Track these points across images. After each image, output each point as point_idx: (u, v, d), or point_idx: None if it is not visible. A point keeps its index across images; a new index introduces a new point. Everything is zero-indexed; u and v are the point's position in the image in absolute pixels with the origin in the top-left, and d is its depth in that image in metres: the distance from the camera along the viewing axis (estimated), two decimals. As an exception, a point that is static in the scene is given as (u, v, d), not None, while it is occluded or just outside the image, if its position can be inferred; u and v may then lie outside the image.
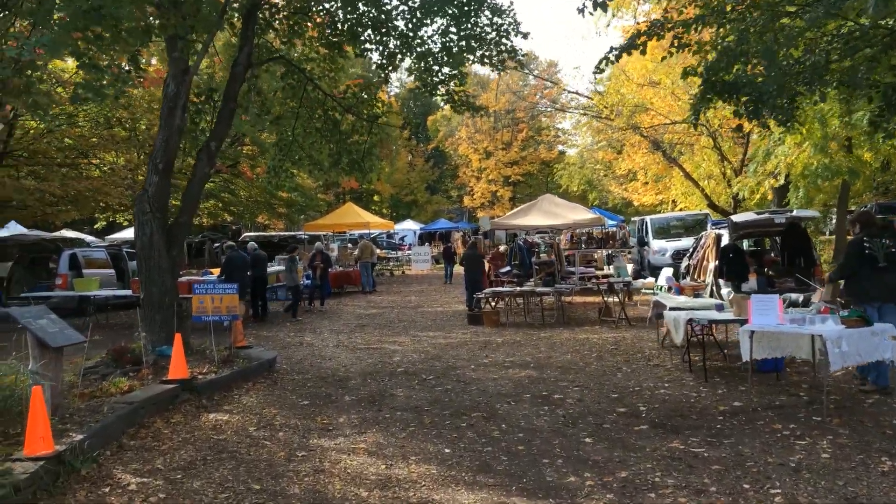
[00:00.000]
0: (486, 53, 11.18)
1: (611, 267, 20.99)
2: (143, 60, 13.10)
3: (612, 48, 9.77)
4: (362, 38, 11.87)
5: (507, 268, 19.63)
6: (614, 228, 24.55)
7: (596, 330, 13.73)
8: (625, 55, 9.87)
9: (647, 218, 25.80)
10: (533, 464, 5.96)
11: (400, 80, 65.13)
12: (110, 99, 9.23)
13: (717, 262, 14.54)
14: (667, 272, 16.74)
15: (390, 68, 12.22)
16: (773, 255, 15.97)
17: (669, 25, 9.16)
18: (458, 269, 30.26)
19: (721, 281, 13.93)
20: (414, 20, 11.12)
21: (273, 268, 19.28)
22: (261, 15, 11.62)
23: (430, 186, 63.20)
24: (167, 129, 10.04)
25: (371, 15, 11.56)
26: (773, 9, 8.71)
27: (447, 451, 6.39)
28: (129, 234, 24.01)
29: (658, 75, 24.41)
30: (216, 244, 26.79)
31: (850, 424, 6.66)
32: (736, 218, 14.32)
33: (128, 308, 17.96)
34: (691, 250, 17.23)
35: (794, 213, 13.81)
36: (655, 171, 29.28)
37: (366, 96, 13.04)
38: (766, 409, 7.38)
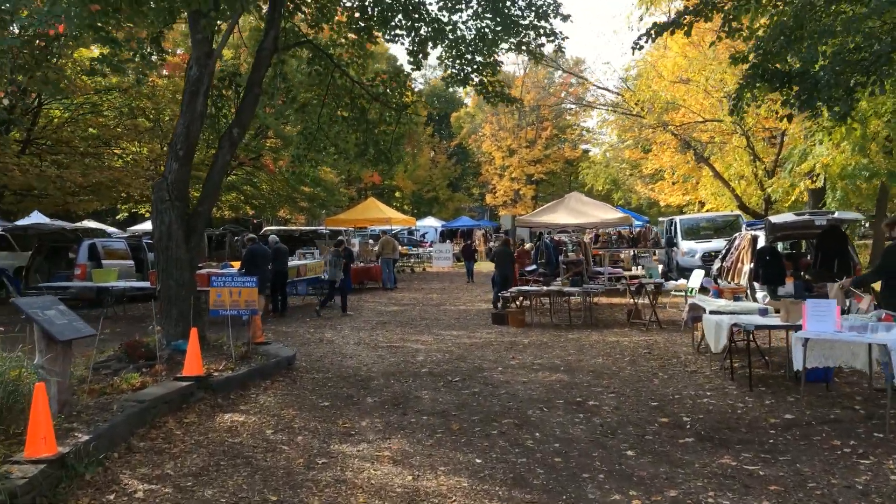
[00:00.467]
0: (524, 39, 10.63)
1: (638, 267, 20.47)
2: (169, 50, 12.74)
3: (654, 24, 9.24)
4: (393, 23, 11.39)
5: (533, 266, 19.13)
6: (640, 229, 23.95)
7: (626, 332, 13.20)
8: (660, 46, 9.37)
9: (677, 218, 25.15)
10: (572, 479, 5.48)
11: (424, 75, 64.75)
12: (133, 85, 8.87)
13: (752, 264, 14.00)
14: (698, 274, 16.20)
15: (421, 56, 11.72)
16: (808, 258, 15.40)
17: (721, 4, 8.59)
18: (479, 267, 29.90)
19: (756, 284, 13.38)
20: (448, 4, 10.61)
21: (294, 262, 18.93)
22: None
23: (451, 184, 62.71)
24: (189, 114, 9.66)
25: (402, -2, 11.10)
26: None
27: (478, 461, 5.93)
28: (149, 225, 23.80)
29: (690, 73, 23.82)
30: (237, 237, 26.53)
31: (916, 443, 6.12)
32: (774, 219, 13.74)
33: (146, 300, 17.67)
34: (724, 252, 16.67)
35: (836, 214, 13.23)
36: (685, 170, 28.61)
37: (395, 84, 12.54)
38: (820, 422, 6.84)
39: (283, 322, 15.24)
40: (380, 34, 11.93)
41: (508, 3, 10.47)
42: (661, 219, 34.13)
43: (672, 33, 9.38)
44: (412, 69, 12.04)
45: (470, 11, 10.81)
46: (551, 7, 10.56)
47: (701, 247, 21.90)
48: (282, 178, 30.84)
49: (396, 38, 11.79)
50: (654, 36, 9.29)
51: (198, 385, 7.91)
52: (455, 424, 7.04)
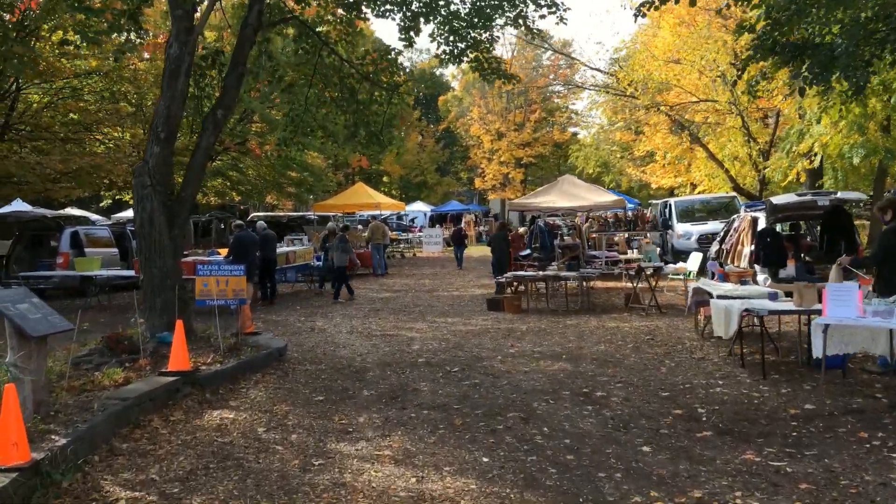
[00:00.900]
0: (521, 13, 10.13)
1: (635, 251, 20.13)
2: (150, 32, 12.18)
3: None
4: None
5: (527, 251, 18.75)
6: (636, 211, 23.58)
7: (625, 318, 12.85)
8: (653, 25, 8.97)
9: (671, 200, 24.76)
10: (587, 478, 5.11)
11: (410, 59, 63.98)
12: (114, 69, 8.38)
13: (752, 246, 13.68)
14: (696, 256, 15.88)
15: (412, 32, 11.19)
16: (808, 239, 15.11)
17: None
18: (470, 252, 29.41)
19: (757, 267, 13.06)
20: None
21: (282, 248, 18.48)
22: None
23: (440, 168, 62.16)
24: (170, 94, 9.16)
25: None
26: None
27: (485, 459, 5.55)
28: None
29: (683, 53, 23.44)
30: (223, 223, 26.03)
31: (947, 434, 5.80)
32: (775, 200, 13.42)
33: (131, 289, 17.18)
34: (722, 234, 16.35)
35: (839, 195, 12.92)
36: (678, 152, 28.28)
37: (386, 64, 12.00)
38: (843, 413, 6.50)
39: (273, 310, 14.80)
40: (369, 9, 11.39)
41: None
42: (652, 201, 33.81)
43: (677, 1, 8.95)
44: (404, 46, 11.53)
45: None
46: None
47: (697, 229, 21.57)
48: (268, 163, 30.19)
49: (387, 14, 11.23)
50: (659, 3, 8.85)
51: (184, 380, 7.48)
52: (458, 419, 6.66)
